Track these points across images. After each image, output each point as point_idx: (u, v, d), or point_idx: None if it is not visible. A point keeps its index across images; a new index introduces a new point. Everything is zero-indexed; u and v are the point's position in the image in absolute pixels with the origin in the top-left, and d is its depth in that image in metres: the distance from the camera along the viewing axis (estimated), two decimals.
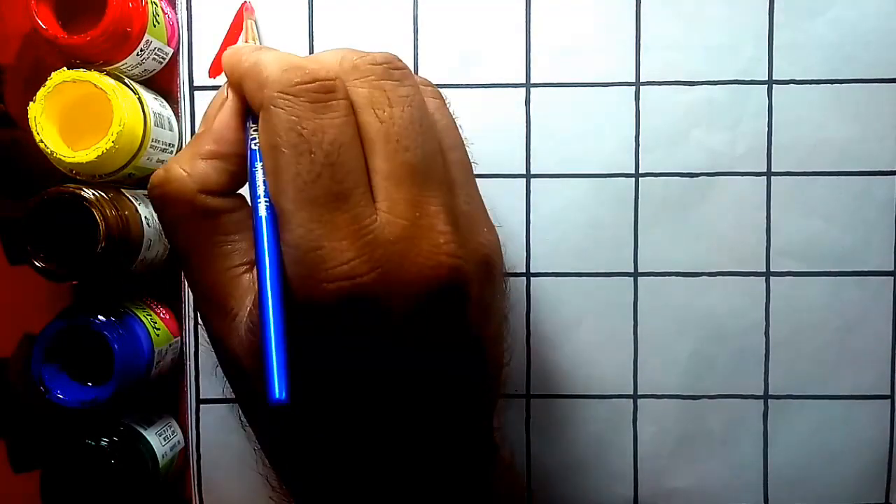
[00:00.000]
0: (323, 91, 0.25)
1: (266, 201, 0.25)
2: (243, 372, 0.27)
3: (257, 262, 0.25)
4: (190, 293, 0.36)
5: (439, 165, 0.26)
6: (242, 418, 0.30)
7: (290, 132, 0.25)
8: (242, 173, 0.28)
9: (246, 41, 0.35)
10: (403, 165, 0.25)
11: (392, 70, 0.27)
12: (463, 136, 0.29)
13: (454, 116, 0.29)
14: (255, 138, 0.27)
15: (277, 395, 0.22)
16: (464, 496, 0.28)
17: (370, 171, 0.25)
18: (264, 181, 0.26)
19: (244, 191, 0.28)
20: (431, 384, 0.27)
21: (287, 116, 0.25)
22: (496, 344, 0.29)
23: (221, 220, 0.27)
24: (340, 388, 0.26)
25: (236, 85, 0.28)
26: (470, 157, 0.29)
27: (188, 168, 0.27)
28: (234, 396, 0.30)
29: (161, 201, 0.27)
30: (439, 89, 0.29)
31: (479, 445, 0.29)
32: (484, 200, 0.29)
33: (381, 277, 0.24)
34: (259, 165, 0.26)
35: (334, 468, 0.27)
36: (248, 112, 0.28)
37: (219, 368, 0.29)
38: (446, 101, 0.29)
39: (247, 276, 0.27)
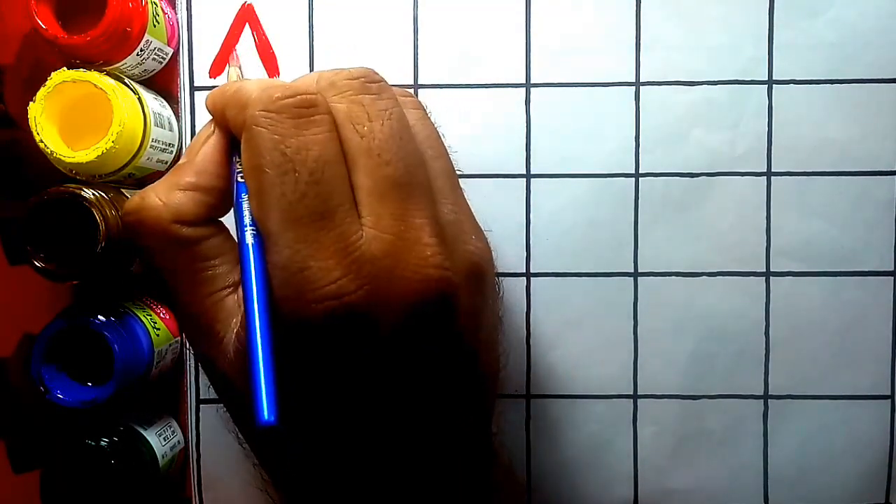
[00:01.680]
0: (305, 105, 0.25)
1: (252, 229, 0.25)
2: (236, 392, 0.27)
3: (244, 288, 0.24)
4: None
5: (422, 177, 0.26)
6: (239, 435, 0.30)
7: (273, 152, 0.24)
8: (220, 206, 0.28)
9: None
10: (386, 179, 0.25)
11: (369, 84, 0.27)
12: (446, 144, 0.29)
13: (436, 125, 0.29)
14: (240, 171, 0.27)
15: (266, 418, 0.22)
16: (464, 501, 0.28)
17: (353, 187, 0.25)
18: (250, 211, 0.26)
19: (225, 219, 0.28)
20: (424, 395, 0.27)
21: (269, 135, 0.25)
22: (489, 350, 0.29)
23: (200, 247, 0.27)
24: (333, 404, 0.26)
25: (220, 117, 0.28)
26: (455, 164, 0.29)
27: (164, 197, 0.27)
28: (222, 403, 0.30)
29: (135, 228, 0.27)
30: (414, 96, 0.29)
31: (478, 452, 0.29)
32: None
33: (368, 294, 0.24)
34: (245, 197, 0.26)
35: (333, 482, 0.27)
36: (232, 146, 0.28)
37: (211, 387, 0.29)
38: (427, 110, 0.29)
39: (230, 298, 0.27)
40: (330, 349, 0.25)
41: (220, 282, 0.27)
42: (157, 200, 0.27)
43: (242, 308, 0.26)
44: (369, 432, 0.26)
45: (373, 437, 0.27)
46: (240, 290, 0.27)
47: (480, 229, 0.29)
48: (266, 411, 0.22)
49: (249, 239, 0.25)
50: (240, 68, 0.35)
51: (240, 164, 0.27)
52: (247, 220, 0.26)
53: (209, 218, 0.27)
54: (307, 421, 0.26)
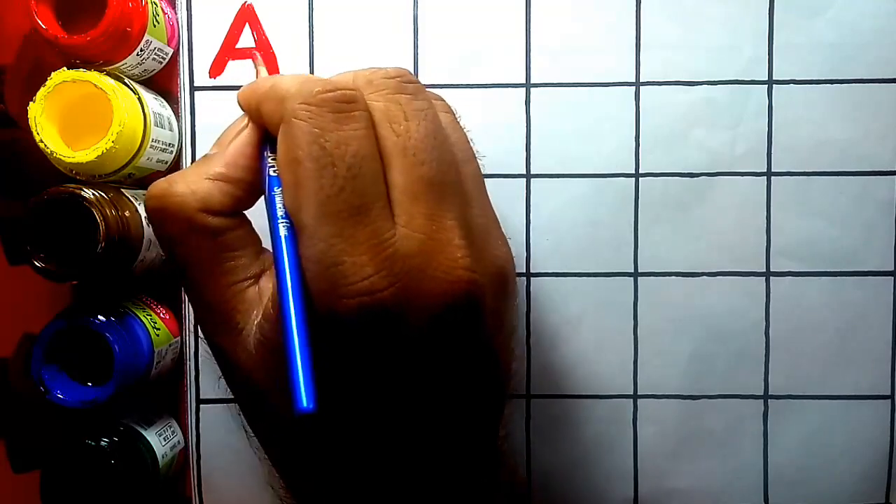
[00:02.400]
0: (345, 101, 0.25)
1: (286, 222, 0.25)
2: (254, 385, 0.27)
3: (278, 280, 0.25)
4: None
5: (454, 179, 0.27)
6: (247, 428, 0.30)
7: (313, 145, 0.24)
8: (246, 199, 0.28)
9: None
10: (420, 179, 0.25)
11: (405, 83, 0.27)
12: (475, 149, 0.29)
13: (466, 130, 0.29)
14: (272, 165, 0.27)
15: (305, 405, 0.22)
16: (470, 502, 0.28)
17: (387, 185, 0.25)
18: (283, 204, 0.26)
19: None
20: (445, 394, 0.27)
21: (309, 128, 0.25)
22: (506, 354, 0.30)
23: (224, 237, 0.27)
24: (357, 399, 0.26)
25: (254, 111, 0.28)
26: (482, 169, 0.29)
27: (192, 185, 0.27)
28: (234, 396, 0.29)
29: (159, 214, 0.27)
30: (446, 100, 0.29)
31: (487, 452, 0.29)
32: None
33: (399, 292, 0.24)
34: (278, 190, 0.26)
35: (347, 476, 0.27)
36: (264, 142, 0.28)
37: (221, 379, 0.29)
38: (457, 115, 0.29)
39: (251, 289, 0.27)
40: (358, 344, 0.25)
41: (241, 273, 0.27)
42: (185, 187, 0.27)
43: (265, 300, 0.26)
44: (388, 428, 0.27)
45: (391, 433, 0.27)
46: (260, 282, 0.27)
47: (504, 235, 0.29)
48: (305, 398, 0.22)
49: (283, 231, 0.25)
50: (264, 68, 0.35)
51: (272, 159, 0.27)
52: (279, 212, 0.26)
53: (235, 210, 0.28)
54: (331, 413, 0.26)
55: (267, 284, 0.27)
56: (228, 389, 0.29)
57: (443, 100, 0.29)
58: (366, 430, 0.27)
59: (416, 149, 0.26)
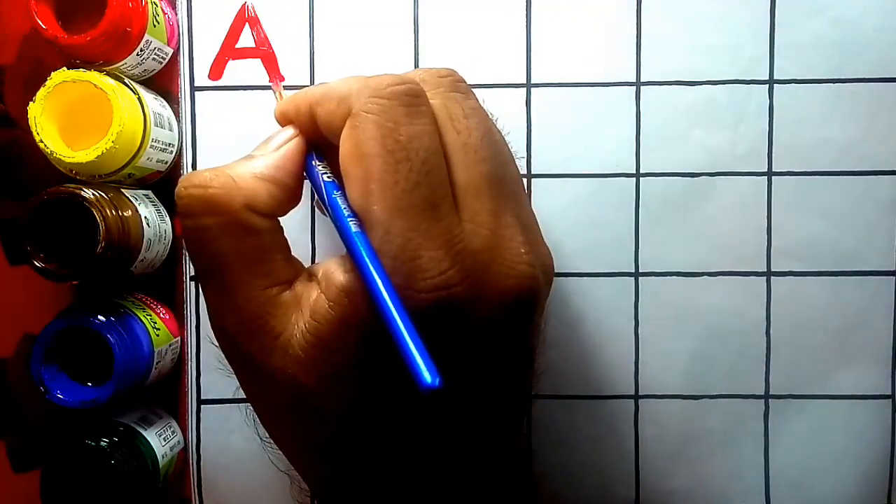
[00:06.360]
0: (414, 95, 0.25)
1: (354, 220, 0.25)
2: (298, 387, 0.26)
3: (364, 276, 0.24)
4: (194, 300, 0.36)
5: (510, 176, 0.27)
6: (265, 438, 0.29)
7: (388, 139, 0.25)
8: (287, 205, 0.28)
9: None
10: (482, 176, 0.26)
11: (458, 82, 0.27)
12: (513, 151, 0.29)
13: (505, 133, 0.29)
14: (324, 172, 0.27)
15: (430, 381, 0.22)
16: (487, 497, 0.29)
17: (450, 182, 0.26)
18: (346, 204, 0.26)
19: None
20: (498, 385, 0.27)
21: (383, 122, 0.25)
22: (537, 354, 0.30)
23: (263, 238, 0.26)
24: (409, 397, 0.26)
25: (306, 117, 0.27)
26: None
27: (239, 180, 0.26)
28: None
29: (198, 203, 0.26)
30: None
31: (511, 449, 0.29)
32: None
33: (470, 287, 0.25)
34: (337, 194, 0.26)
35: (387, 476, 0.27)
36: (310, 151, 0.28)
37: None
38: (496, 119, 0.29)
39: (287, 294, 0.26)
40: (429, 337, 0.24)
41: (276, 276, 0.27)
42: (230, 181, 0.26)
43: (304, 305, 0.26)
44: (437, 419, 0.27)
45: (435, 429, 0.27)
46: (295, 287, 0.27)
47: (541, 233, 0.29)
48: (429, 375, 0.22)
49: (354, 228, 0.25)
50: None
51: (321, 166, 0.27)
52: (345, 211, 0.26)
53: (272, 212, 0.27)
54: (387, 410, 0.26)
55: (304, 289, 0.26)
56: (249, 402, 0.29)
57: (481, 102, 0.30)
58: (413, 426, 0.26)
59: (477, 146, 0.26)
